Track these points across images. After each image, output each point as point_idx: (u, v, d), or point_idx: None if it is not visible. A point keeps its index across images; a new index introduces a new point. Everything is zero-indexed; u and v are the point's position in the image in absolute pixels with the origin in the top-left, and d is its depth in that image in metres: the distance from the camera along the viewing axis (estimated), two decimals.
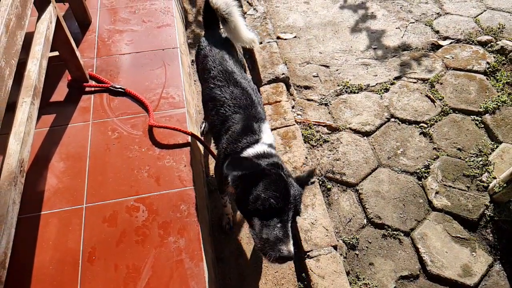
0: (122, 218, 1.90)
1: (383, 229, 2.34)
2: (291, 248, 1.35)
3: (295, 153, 2.58)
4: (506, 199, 2.36)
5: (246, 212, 1.52)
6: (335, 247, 2.17)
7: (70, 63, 2.36)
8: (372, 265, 2.21)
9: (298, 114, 2.97)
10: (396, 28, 3.66)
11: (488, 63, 3.25)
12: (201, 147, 2.56)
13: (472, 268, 2.18)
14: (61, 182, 2.03)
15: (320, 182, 2.55)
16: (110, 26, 2.91)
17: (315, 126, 2.88)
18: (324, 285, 2.02)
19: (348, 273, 2.15)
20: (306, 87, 3.19)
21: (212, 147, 2.67)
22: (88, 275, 1.72)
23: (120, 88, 2.44)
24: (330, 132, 2.86)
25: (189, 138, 2.25)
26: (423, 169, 2.60)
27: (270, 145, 1.76)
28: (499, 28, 3.55)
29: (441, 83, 3.14)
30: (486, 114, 2.90)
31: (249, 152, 1.67)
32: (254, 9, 3.76)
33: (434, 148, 2.73)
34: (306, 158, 2.56)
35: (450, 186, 2.51)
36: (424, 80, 3.18)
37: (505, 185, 2.30)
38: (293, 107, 3.01)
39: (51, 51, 2.05)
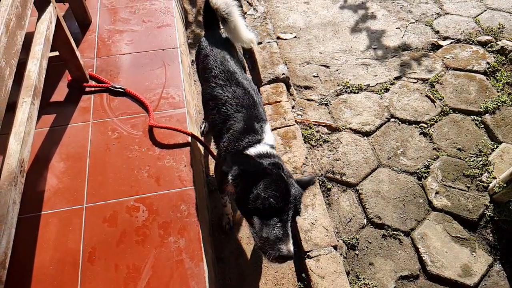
0: (122, 218, 1.91)
1: (383, 229, 2.35)
2: (291, 247, 1.35)
3: (295, 153, 2.59)
4: (506, 199, 2.36)
5: (246, 211, 1.53)
6: (335, 247, 2.17)
7: (70, 63, 2.36)
8: (372, 265, 2.22)
9: (298, 114, 2.97)
10: (396, 28, 3.66)
11: (488, 63, 3.25)
12: (201, 147, 2.56)
13: (472, 268, 2.18)
14: (61, 182, 2.03)
15: (320, 182, 2.55)
16: (110, 26, 2.91)
17: (315, 126, 2.88)
18: (324, 285, 2.02)
19: (348, 273, 2.15)
20: (306, 87, 3.19)
21: (212, 147, 2.67)
22: (89, 275, 1.72)
23: (120, 88, 2.44)
24: (330, 132, 2.86)
25: (189, 138, 2.25)
26: (423, 169, 2.60)
27: (272, 146, 1.77)
28: (499, 28, 3.56)
29: (441, 83, 3.14)
30: (486, 114, 2.90)
31: (251, 151, 1.67)
32: (254, 9, 3.76)
33: (434, 148, 2.73)
34: (306, 158, 2.56)
35: (450, 186, 2.51)
36: (424, 80, 3.19)
37: (505, 185, 2.31)
38: (293, 107, 3.01)
39: (51, 51, 2.05)
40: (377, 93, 3.10)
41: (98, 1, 3.12)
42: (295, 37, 3.62)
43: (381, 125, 2.89)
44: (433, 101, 3.01)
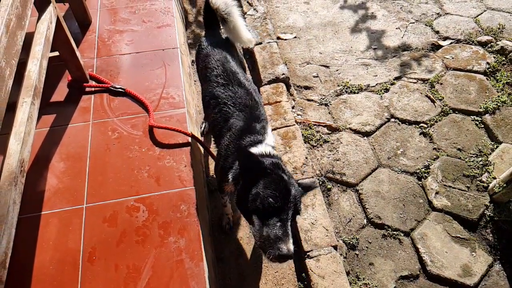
0: (122, 218, 1.91)
1: (383, 229, 2.35)
2: (291, 246, 1.36)
3: (295, 153, 2.59)
4: (506, 199, 2.36)
5: (245, 211, 1.53)
6: (335, 247, 2.17)
7: (70, 63, 2.36)
8: (372, 265, 2.22)
9: (298, 114, 2.97)
10: (396, 28, 3.66)
11: (488, 63, 3.25)
12: (202, 147, 2.56)
13: (472, 268, 2.18)
14: (61, 182, 2.03)
15: (320, 182, 2.55)
16: (110, 26, 2.91)
17: (315, 126, 2.88)
18: (324, 285, 2.02)
19: (348, 273, 2.15)
20: (306, 87, 3.19)
21: (212, 147, 2.67)
22: (89, 275, 1.72)
23: (120, 88, 2.44)
24: (330, 132, 2.86)
25: (189, 138, 2.25)
26: (423, 169, 2.60)
27: (272, 147, 1.79)
28: (499, 29, 3.56)
29: (441, 83, 3.14)
30: (486, 114, 2.90)
31: (253, 151, 1.68)
32: (254, 9, 3.76)
33: (434, 148, 2.73)
34: (306, 158, 2.56)
35: (450, 186, 2.51)
36: (424, 80, 3.19)
37: (505, 185, 2.31)
38: (293, 107, 3.01)
39: (51, 51, 2.05)
40: (377, 93, 3.10)
41: (98, 1, 3.12)
42: (295, 37, 3.62)
43: (381, 125, 2.89)
44: (433, 101, 3.01)
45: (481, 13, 3.75)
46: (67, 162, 2.12)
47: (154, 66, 2.64)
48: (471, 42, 3.46)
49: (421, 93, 3.09)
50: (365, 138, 2.82)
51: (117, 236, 1.84)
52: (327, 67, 3.34)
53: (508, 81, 3.10)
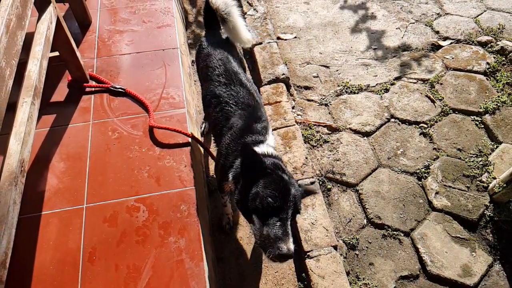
0: (122, 218, 1.91)
1: (383, 229, 2.35)
2: (291, 246, 1.36)
3: (295, 154, 2.59)
4: (506, 199, 2.37)
5: (245, 211, 1.53)
6: (335, 247, 2.17)
7: (71, 64, 2.36)
8: (372, 265, 2.22)
9: (298, 115, 2.97)
10: (396, 29, 3.67)
11: (488, 63, 3.25)
12: (202, 148, 2.56)
13: (472, 268, 2.18)
14: (61, 182, 2.03)
15: (320, 182, 2.55)
16: (110, 26, 2.91)
17: (315, 126, 2.88)
18: (324, 285, 2.02)
19: (348, 273, 2.15)
20: (306, 88, 3.19)
21: (212, 148, 2.68)
22: (89, 275, 1.72)
23: (120, 88, 2.44)
24: (330, 132, 2.86)
25: (189, 139, 2.25)
26: (423, 169, 2.60)
27: (273, 148, 1.80)
28: (499, 29, 3.56)
29: (441, 84, 3.14)
30: (486, 115, 2.90)
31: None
32: (254, 9, 3.76)
33: (434, 149, 2.73)
34: (306, 158, 2.56)
35: (450, 186, 2.51)
36: (424, 81, 3.19)
37: (505, 185, 2.31)
38: (293, 108, 3.01)
39: (51, 51, 2.06)
40: (377, 94, 3.11)
41: (98, 1, 3.12)
42: (295, 37, 3.62)
43: (381, 125, 2.89)
44: (433, 102, 3.02)
45: (481, 13, 3.75)
46: (67, 162, 2.12)
47: (154, 66, 2.64)
48: (471, 42, 3.46)
49: (421, 93, 3.09)
50: (365, 138, 2.82)
51: (117, 236, 1.84)
52: (327, 67, 3.35)
53: (508, 81, 3.10)
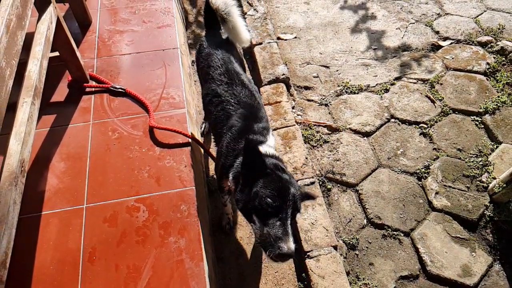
0: (122, 218, 1.91)
1: (383, 229, 2.35)
2: (291, 245, 1.36)
3: (295, 154, 2.59)
4: (505, 200, 2.37)
5: (245, 210, 1.53)
6: (335, 247, 2.17)
7: (71, 64, 2.36)
8: (372, 265, 2.22)
9: (298, 115, 2.97)
10: (396, 29, 3.67)
11: (488, 63, 3.25)
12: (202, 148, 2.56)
13: (471, 268, 2.18)
14: (61, 182, 2.03)
15: (320, 183, 2.55)
16: (111, 26, 2.91)
17: (315, 126, 2.88)
18: (324, 285, 2.03)
19: (348, 273, 2.15)
20: (306, 88, 3.20)
21: (212, 147, 2.68)
22: (89, 275, 1.72)
23: (121, 88, 2.44)
24: (330, 132, 2.86)
25: (189, 139, 2.25)
26: (423, 170, 2.60)
27: (274, 149, 1.81)
28: (499, 29, 3.56)
29: (441, 84, 3.15)
30: (486, 115, 2.90)
31: None
32: (254, 9, 3.77)
33: (434, 149, 2.73)
34: (306, 158, 2.56)
35: (450, 187, 2.51)
36: (424, 81, 3.19)
37: (504, 185, 2.31)
38: (293, 108, 3.01)
39: (51, 51, 2.06)
40: (377, 94, 3.11)
41: (98, 1, 3.12)
42: (295, 37, 3.63)
43: (381, 125, 2.89)
44: (433, 102, 3.02)
45: (481, 14, 3.75)
46: (67, 162, 2.12)
47: (154, 66, 2.64)
48: (471, 43, 3.46)
49: (421, 94, 3.09)
50: (365, 138, 2.82)
51: (117, 236, 1.84)
52: (327, 67, 3.35)
53: (508, 81, 3.10)
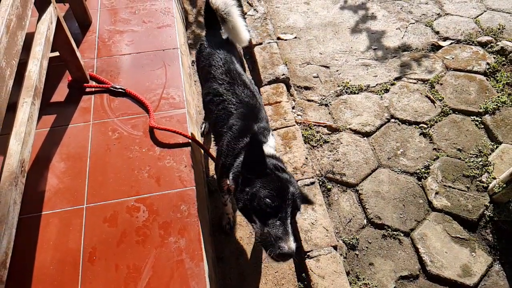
0: (122, 218, 1.91)
1: (383, 230, 2.35)
2: (292, 245, 1.36)
3: (295, 154, 2.59)
4: (505, 200, 2.37)
5: (245, 210, 1.54)
6: (335, 247, 2.18)
7: (71, 64, 2.37)
8: (372, 265, 2.22)
9: (298, 115, 2.97)
10: (396, 29, 3.67)
11: (488, 63, 3.25)
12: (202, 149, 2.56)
13: (471, 268, 2.18)
14: (61, 182, 2.03)
15: (320, 183, 2.55)
16: (111, 26, 2.91)
17: (315, 126, 2.88)
18: (324, 285, 2.03)
19: (348, 273, 2.15)
20: (307, 88, 3.20)
21: (212, 148, 2.68)
22: (89, 275, 1.72)
23: (121, 88, 2.45)
24: (330, 132, 2.86)
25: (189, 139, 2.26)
26: (423, 170, 2.60)
27: (274, 149, 1.81)
28: (499, 29, 3.56)
29: (441, 84, 3.15)
30: (486, 115, 2.90)
31: None
32: (255, 9, 3.77)
33: (434, 149, 2.73)
34: (306, 158, 2.56)
35: (450, 187, 2.51)
36: (424, 81, 3.19)
37: (504, 185, 2.31)
38: (293, 108, 3.01)
39: (51, 51, 2.06)
40: (377, 94, 3.11)
41: (98, 1, 3.12)
42: (295, 37, 3.63)
43: (381, 125, 2.89)
44: (433, 102, 3.02)
45: (481, 14, 3.75)
46: (67, 162, 2.12)
47: (154, 66, 2.64)
48: (471, 43, 3.46)
49: (421, 94, 3.09)
50: (365, 138, 2.82)
51: (117, 236, 1.84)
52: (327, 67, 3.35)
53: (508, 81, 3.10)
